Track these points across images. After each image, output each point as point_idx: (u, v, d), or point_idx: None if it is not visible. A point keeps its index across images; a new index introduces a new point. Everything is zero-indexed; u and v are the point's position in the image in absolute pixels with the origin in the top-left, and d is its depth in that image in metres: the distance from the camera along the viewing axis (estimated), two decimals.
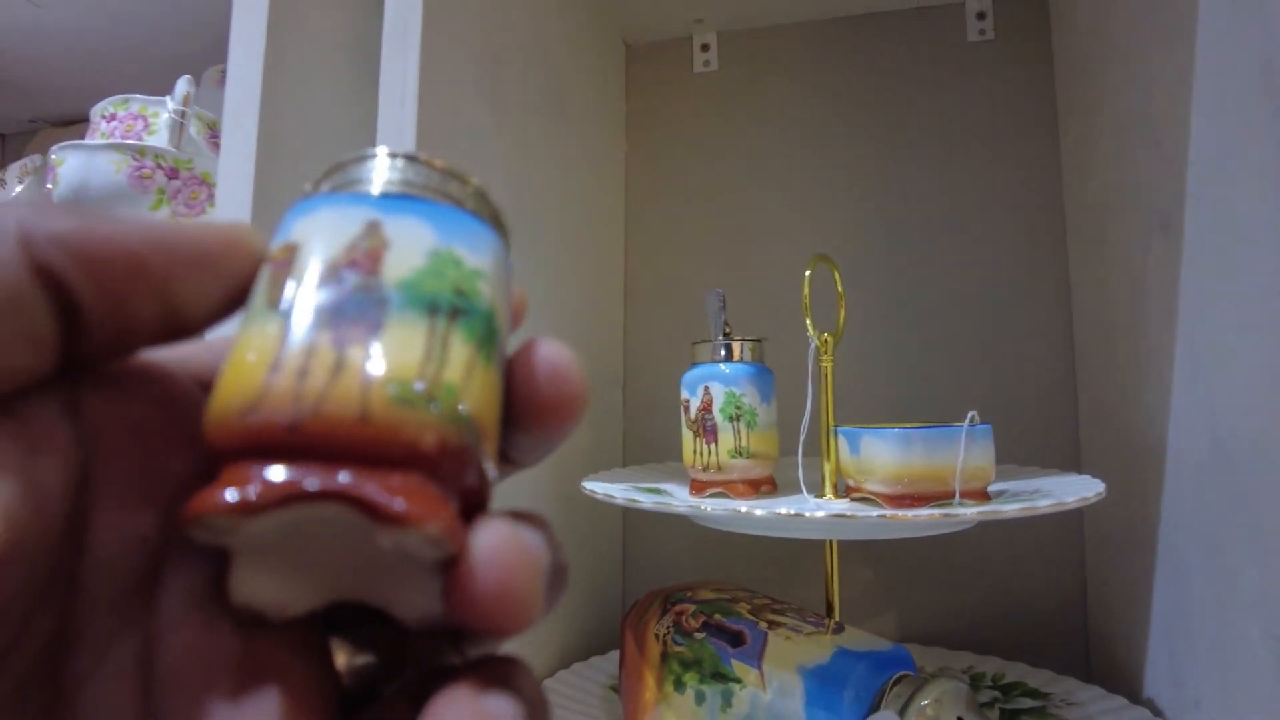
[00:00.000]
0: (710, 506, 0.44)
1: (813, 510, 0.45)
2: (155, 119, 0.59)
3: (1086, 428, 0.70)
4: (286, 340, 0.15)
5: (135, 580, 0.15)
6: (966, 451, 0.49)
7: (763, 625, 0.50)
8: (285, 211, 0.17)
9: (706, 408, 0.57)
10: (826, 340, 0.56)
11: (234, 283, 0.16)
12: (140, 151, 0.55)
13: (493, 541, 0.14)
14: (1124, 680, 0.61)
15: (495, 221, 0.19)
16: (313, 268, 0.16)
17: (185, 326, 0.16)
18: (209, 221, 0.16)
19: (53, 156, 0.55)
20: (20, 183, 0.69)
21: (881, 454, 0.50)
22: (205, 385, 0.16)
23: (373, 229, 0.17)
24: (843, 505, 0.49)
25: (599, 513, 0.78)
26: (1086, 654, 0.70)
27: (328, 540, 0.14)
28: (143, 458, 0.15)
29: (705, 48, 0.83)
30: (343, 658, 0.17)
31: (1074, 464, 0.70)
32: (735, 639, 0.50)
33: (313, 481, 0.14)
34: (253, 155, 0.51)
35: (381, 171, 0.18)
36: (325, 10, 0.56)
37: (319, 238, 0.16)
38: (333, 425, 0.14)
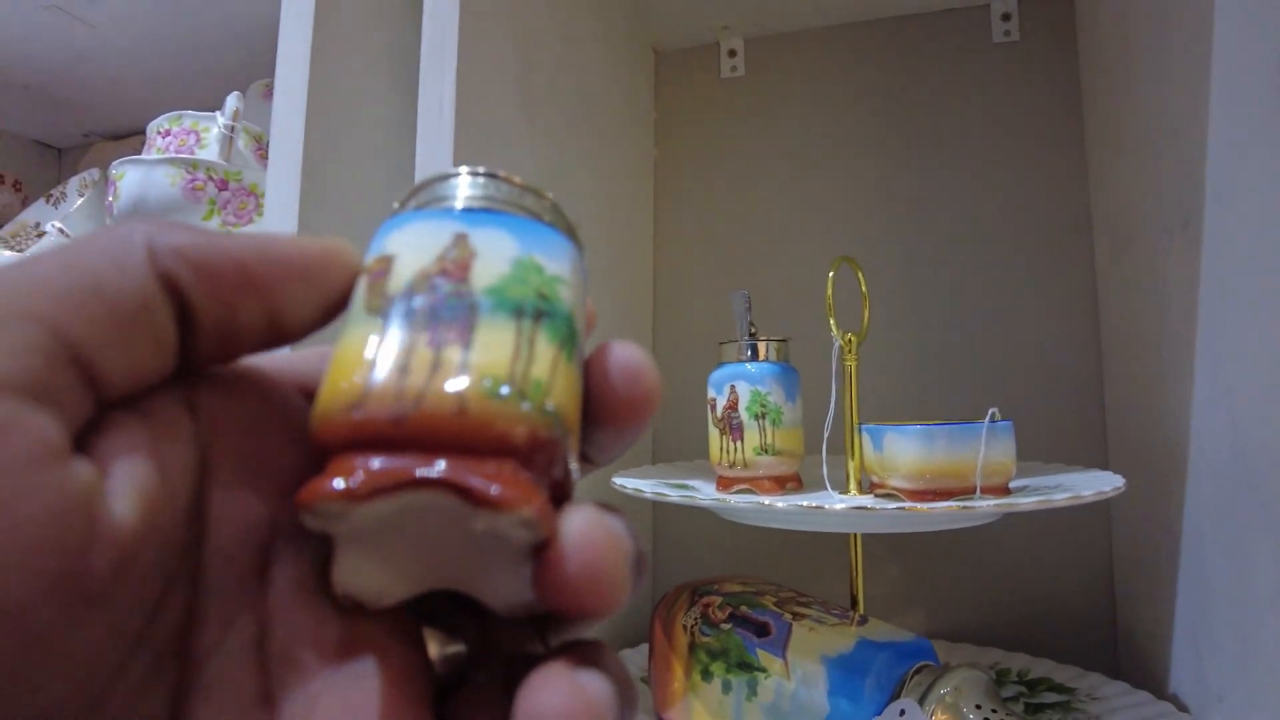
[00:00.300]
0: (734, 500, 0.46)
1: (833, 503, 0.46)
2: (206, 134, 0.62)
3: (1113, 427, 0.70)
4: (386, 342, 0.16)
5: (249, 567, 0.16)
6: (987, 448, 0.50)
7: (787, 617, 0.52)
8: (377, 229, 0.19)
9: (733, 406, 0.58)
10: (850, 340, 0.58)
11: (331, 293, 0.17)
12: (193, 165, 0.58)
13: (582, 527, 0.15)
14: (1151, 677, 0.61)
15: (570, 232, 0.20)
16: (407, 276, 0.17)
17: (286, 333, 0.17)
18: (309, 237, 0.17)
19: (113, 171, 0.59)
20: (80, 196, 0.73)
21: (904, 450, 0.51)
22: (302, 391, 0.18)
23: (460, 240, 0.18)
24: (863, 499, 0.50)
25: (629, 509, 0.80)
26: (1115, 651, 0.70)
27: (426, 527, 0.15)
28: (251, 453, 0.17)
29: (732, 53, 0.84)
30: (434, 647, 0.18)
31: (1101, 463, 0.71)
32: (761, 630, 0.52)
33: (417, 469, 0.15)
34: (299, 166, 0.54)
35: (464, 188, 0.19)
36: (367, 26, 0.59)
37: (411, 249, 0.18)
38: (433, 419, 0.15)
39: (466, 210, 0.19)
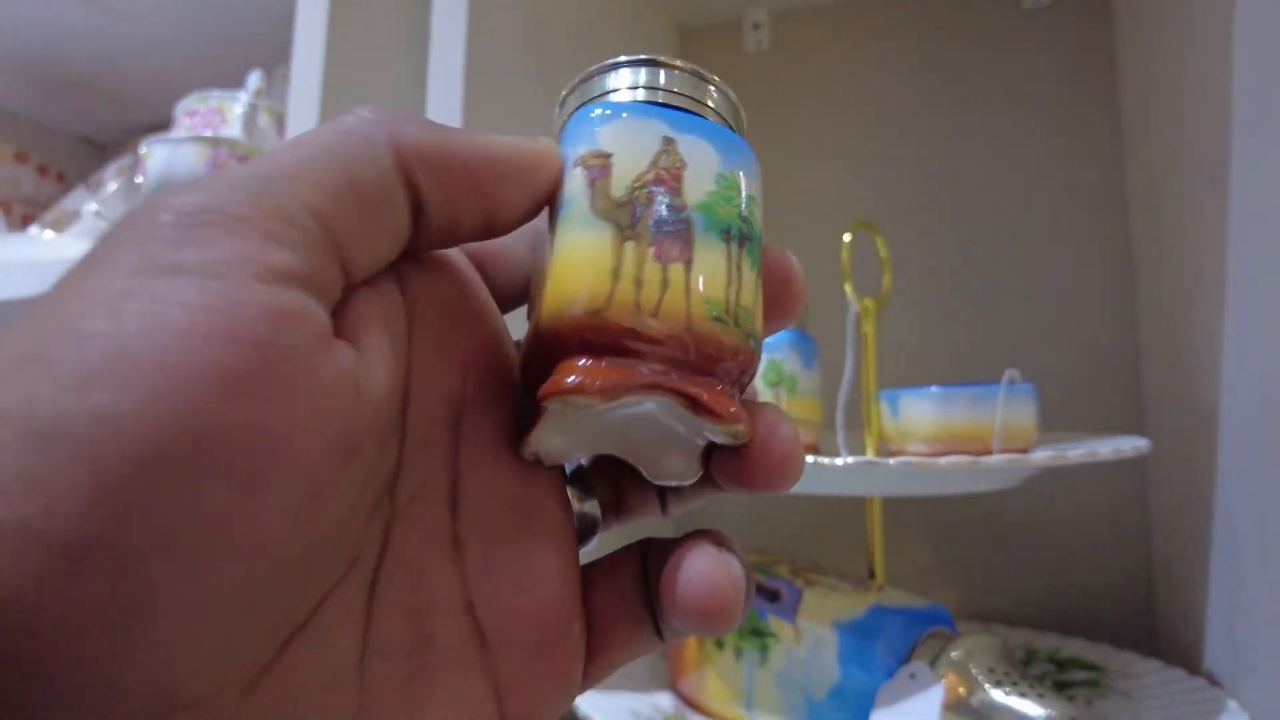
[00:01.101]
0: None
1: (841, 459, 0.45)
2: (230, 112, 0.63)
3: (1150, 395, 0.68)
4: (620, 252, 0.17)
5: (444, 427, 0.19)
6: (1005, 410, 0.49)
7: (799, 583, 0.51)
8: (580, 110, 0.20)
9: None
10: (867, 306, 0.57)
11: (541, 191, 0.19)
12: (215, 142, 0.59)
13: (774, 427, 0.18)
14: (1187, 655, 0.59)
15: (745, 135, 0.21)
16: (627, 182, 0.18)
17: (499, 227, 0.19)
18: (521, 138, 0.19)
19: (142, 150, 0.60)
20: (116, 181, 0.75)
21: (920, 414, 0.51)
22: (477, 266, 0.21)
23: (669, 145, 0.19)
24: (872, 457, 0.49)
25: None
26: (1153, 632, 0.68)
27: (636, 417, 0.18)
28: (445, 326, 0.19)
29: (757, 27, 0.84)
30: (574, 502, 0.21)
31: (1136, 432, 0.69)
32: (773, 596, 0.51)
33: (663, 379, 0.17)
34: None
35: (661, 78, 0.20)
36: (383, 5, 0.60)
37: (626, 149, 0.19)
38: (664, 334, 0.17)
39: (668, 108, 0.20)
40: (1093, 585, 0.70)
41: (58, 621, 0.12)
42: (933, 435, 0.50)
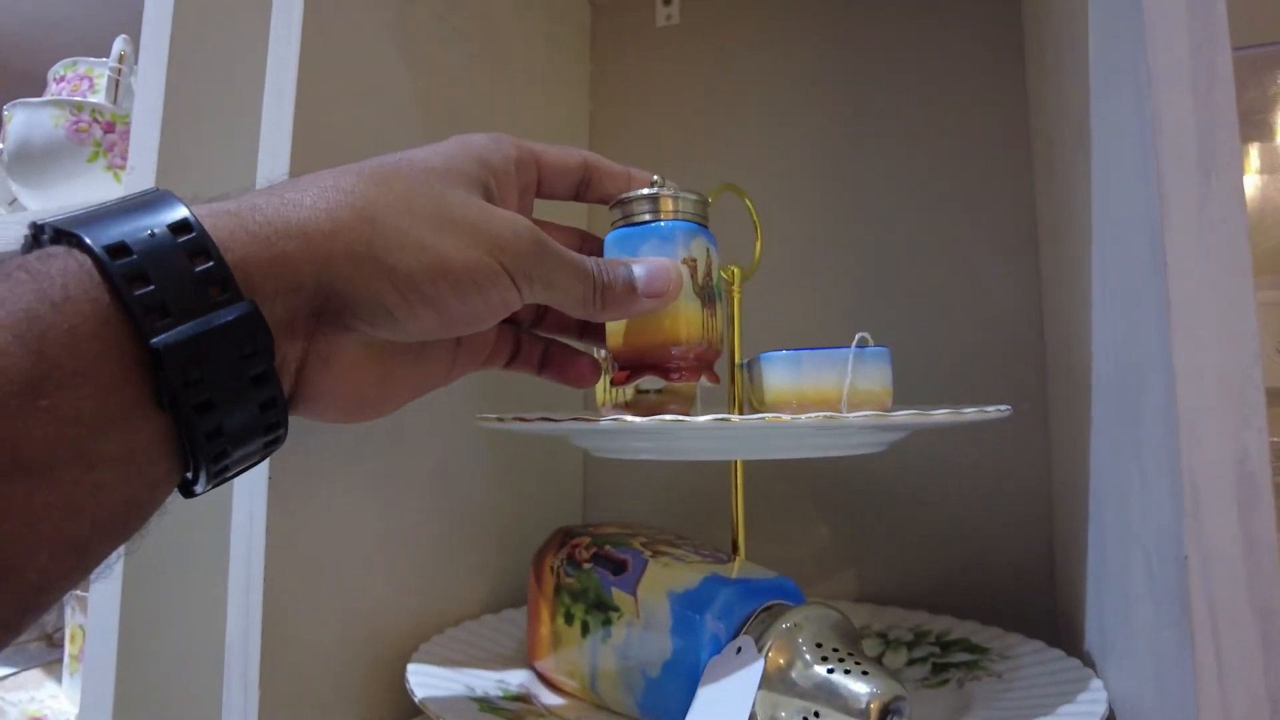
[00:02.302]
0: (593, 425, 0.43)
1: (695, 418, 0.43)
2: (100, 79, 0.62)
3: (1049, 370, 0.66)
4: (704, 314, 0.45)
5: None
6: (855, 374, 0.47)
7: (647, 554, 0.49)
8: (671, 230, 0.45)
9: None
10: (733, 272, 0.55)
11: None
12: (78, 107, 0.58)
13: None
14: (1073, 635, 0.57)
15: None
16: (700, 275, 0.45)
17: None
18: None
19: (5, 113, 0.59)
20: None
21: (773, 377, 0.48)
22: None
23: (706, 251, 0.46)
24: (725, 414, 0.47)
25: (560, 466, 0.78)
26: (1053, 615, 0.65)
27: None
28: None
29: (667, 1, 0.82)
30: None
31: (1041, 409, 0.66)
32: (619, 567, 0.49)
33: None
34: (161, 102, 0.53)
35: (701, 206, 0.47)
36: None
37: (699, 256, 0.45)
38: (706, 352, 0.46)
39: (701, 227, 0.46)
40: (996, 567, 0.68)
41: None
42: (784, 400, 0.47)
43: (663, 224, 0.45)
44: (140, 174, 0.53)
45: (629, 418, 0.42)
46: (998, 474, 0.69)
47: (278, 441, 0.32)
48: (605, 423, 0.41)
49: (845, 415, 0.40)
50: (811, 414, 0.40)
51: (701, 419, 0.40)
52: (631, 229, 0.46)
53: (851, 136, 0.76)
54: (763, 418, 0.40)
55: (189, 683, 0.50)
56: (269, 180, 0.36)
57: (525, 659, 0.56)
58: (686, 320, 0.44)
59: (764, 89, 0.79)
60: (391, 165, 0.35)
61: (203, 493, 0.30)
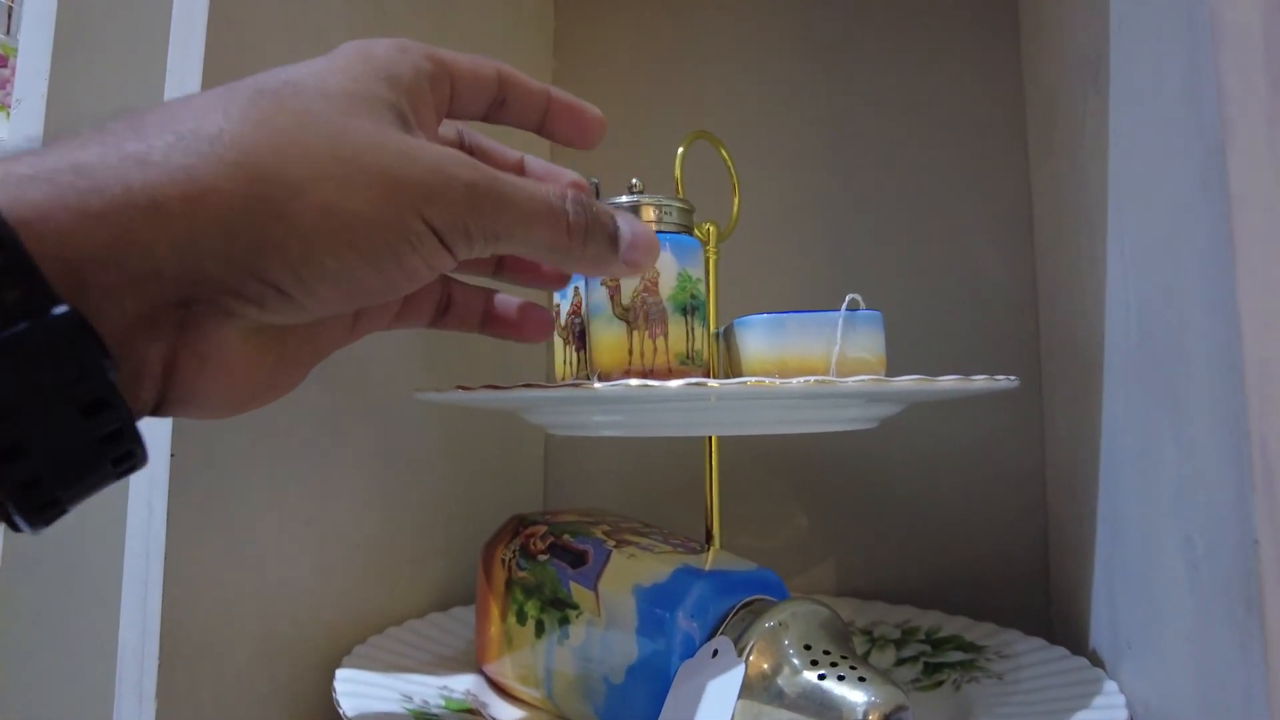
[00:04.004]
0: (543, 389, 0.37)
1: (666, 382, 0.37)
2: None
3: (1045, 344, 0.61)
4: (630, 339, 0.42)
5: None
6: (845, 340, 0.41)
7: (610, 544, 0.43)
8: None
9: (576, 310, 0.50)
10: (709, 230, 0.49)
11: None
12: None
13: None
14: (1075, 632, 0.52)
15: (693, 222, 0.45)
16: (628, 293, 0.42)
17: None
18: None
19: None
20: None
21: (752, 344, 0.43)
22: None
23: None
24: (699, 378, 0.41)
25: (518, 450, 0.71)
26: (1047, 608, 0.61)
27: None
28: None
29: None
30: None
31: (1034, 389, 0.62)
32: (578, 559, 0.43)
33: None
34: (51, 28, 0.47)
35: (649, 212, 0.44)
36: None
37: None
38: (657, 373, 0.41)
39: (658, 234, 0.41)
40: (986, 558, 0.63)
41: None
42: (764, 370, 0.42)
43: None
44: (28, 109, 0.46)
45: (588, 382, 0.36)
46: (988, 459, 0.64)
47: (134, 468, 0.25)
48: (559, 390, 0.35)
49: (841, 380, 0.35)
50: (800, 378, 0.35)
51: (674, 383, 0.34)
52: None
53: (836, 90, 0.70)
54: (744, 381, 0.34)
55: (76, 693, 0.43)
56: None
57: (474, 663, 0.50)
58: (606, 347, 0.42)
59: (742, 38, 0.73)
60: (273, 91, 0.25)
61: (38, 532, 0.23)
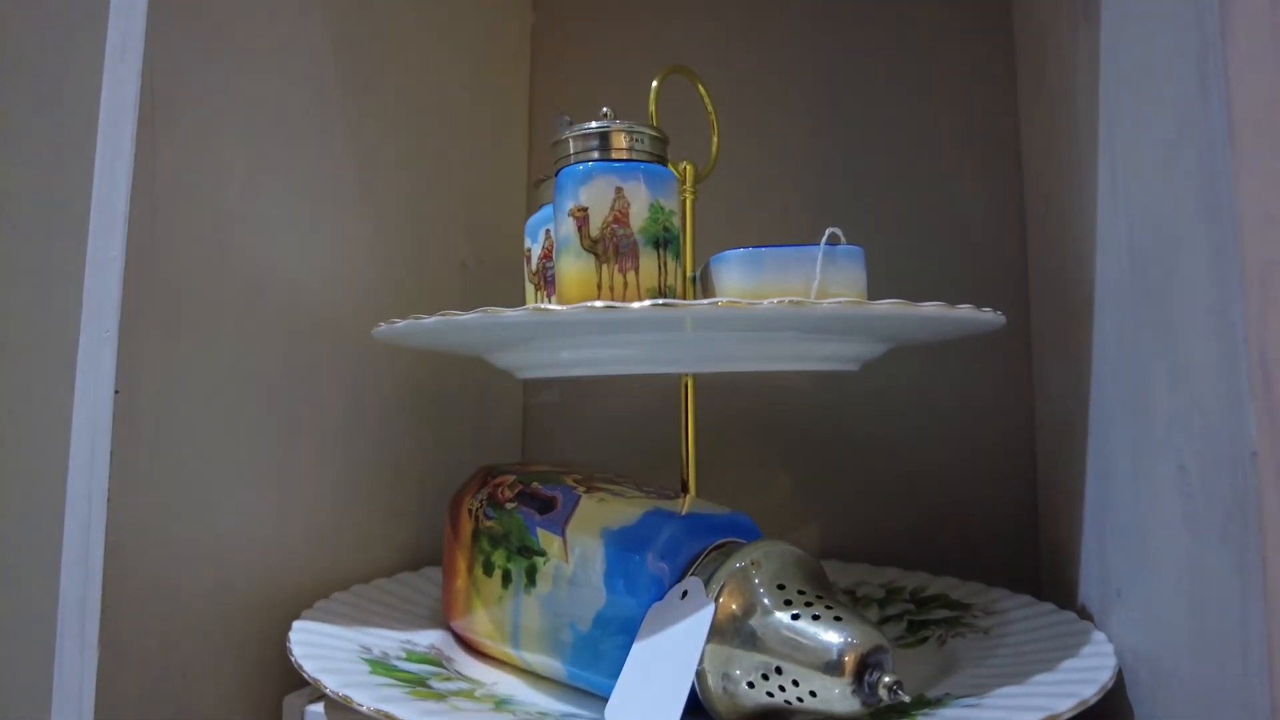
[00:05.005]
0: (505, 315, 0.34)
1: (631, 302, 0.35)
2: None
3: (1034, 281, 0.59)
4: (599, 272, 0.39)
5: None
6: (825, 275, 0.39)
7: (580, 490, 0.42)
8: (564, 177, 0.40)
9: (547, 255, 0.48)
10: (685, 169, 0.47)
11: None
12: None
13: None
14: (1064, 589, 0.50)
15: (667, 153, 0.43)
16: (598, 224, 0.39)
17: None
18: None
19: None
20: None
21: (729, 280, 0.41)
22: None
23: (619, 193, 0.39)
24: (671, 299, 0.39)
25: (494, 408, 0.70)
26: (1036, 568, 0.59)
27: None
28: None
29: None
30: None
31: (1024, 342, 0.60)
32: (546, 505, 0.41)
33: None
34: None
35: (621, 139, 0.41)
36: None
37: (595, 202, 0.39)
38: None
39: (619, 163, 0.40)
40: (973, 518, 0.61)
41: None
42: None
43: (560, 171, 0.41)
44: None
45: (546, 305, 0.34)
46: (974, 416, 0.62)
47: None
48: (517, 313, 0.33)
49: (816, 302, 0.33)
50: (774, 299, 0.33)
51: (640, 304, 0.32)
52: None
53: (820, 30, 0.68)
54: (715, 302, 0.33)
55: (16, 645, 0.41)
56: None
57: (441, 619, 0.48)
58: (573, 281, 0.40)
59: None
60: None
61: None
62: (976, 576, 0.54)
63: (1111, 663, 0.36)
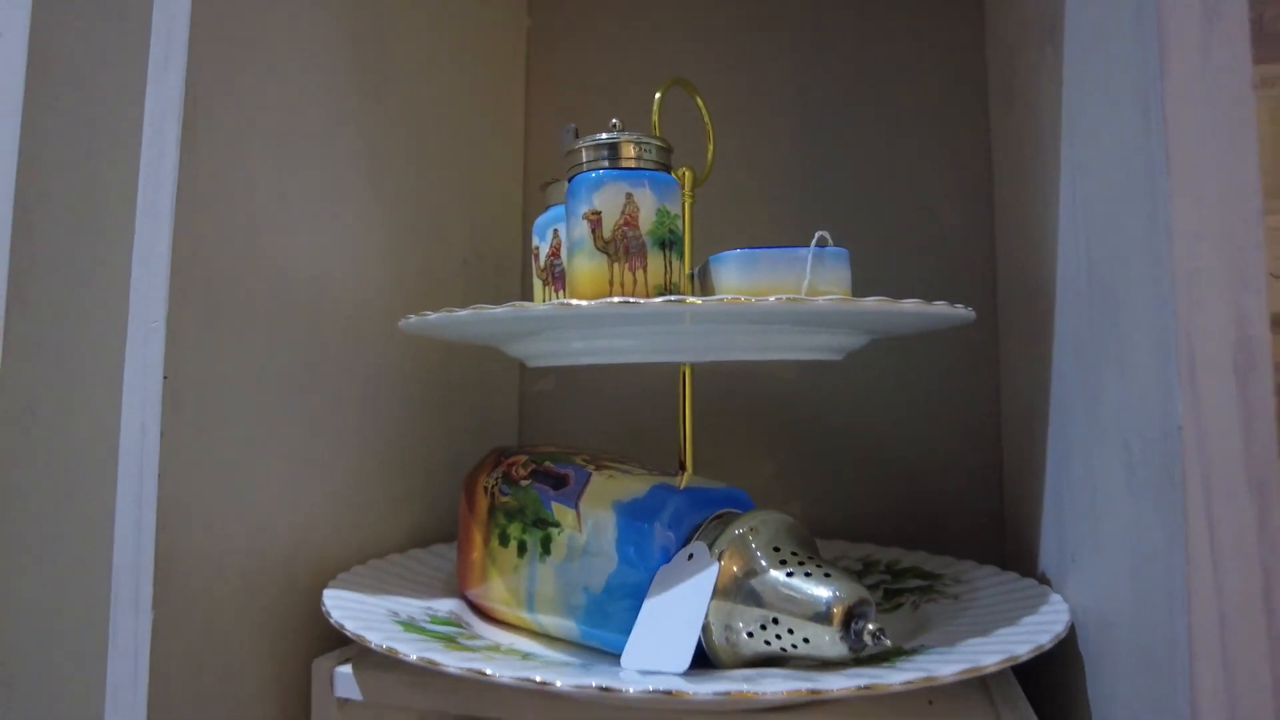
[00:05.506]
0: (531, 310, 0.38)
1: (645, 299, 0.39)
2: None
3: (1004, 293, 0.64)
4: (611, 271, 0.43)
5: None
6: (814, 273, 0.44)
7: (590, 468, 0.46)
8: (578, 183, 0.44)
9: (555, 252, 0.52)
10: (684, 175, 0.51)
11: None
12: None
13: None
14: (1027, 559, 0.55)
15: (672, 160, 0.47)
16: (610, 226, 0.43)
17: None
18: None
19: None
20: None
21: (726, 279, 0.45)
22: None
23: (629, 198, 0.43)
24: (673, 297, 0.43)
25: (494, 393, 0.73)
26: (1002, 543, 0.64)
27: None
28: None
29: None
30: None
31: (991, 334, 0.65)
32: (559, 482, 0.45)
33: None
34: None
35: (630, 149, 0.45)
36: None
37: (608, 206, 0.43)
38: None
39: (629, 171, 0.44)
40: (945, 497, 0.66)
41: None
42: None
43: (574, 178, 0.45)
44: (10, 41, 0.47)
45: (571, 301, 0.38)
46: (947, 403, 0.67)
47: None
48: (544, 308, 0.37)
49: (811, 299, 0.37)
50: (774, 296, 0.37)
51: (653, 300, 0.36)
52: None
53: (808, 50, 0.72)
54: (720, 299, 0.37)
55: (74, 608, 0.44)
56: None
57: (455, 590, 0.52)
58: (586, 279, 0.43)
59: (694, 5, 0.75)
60: None
61: None
62: (948, 552, 0.59)
63: (1065, 617, 0.41)
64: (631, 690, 0.31)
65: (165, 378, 0.41)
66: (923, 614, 0.49)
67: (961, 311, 0.41)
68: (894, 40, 0.70)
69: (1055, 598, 0.45)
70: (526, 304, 0.37)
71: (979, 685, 0.42)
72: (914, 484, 0.67)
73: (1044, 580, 0.49)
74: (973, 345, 0.65)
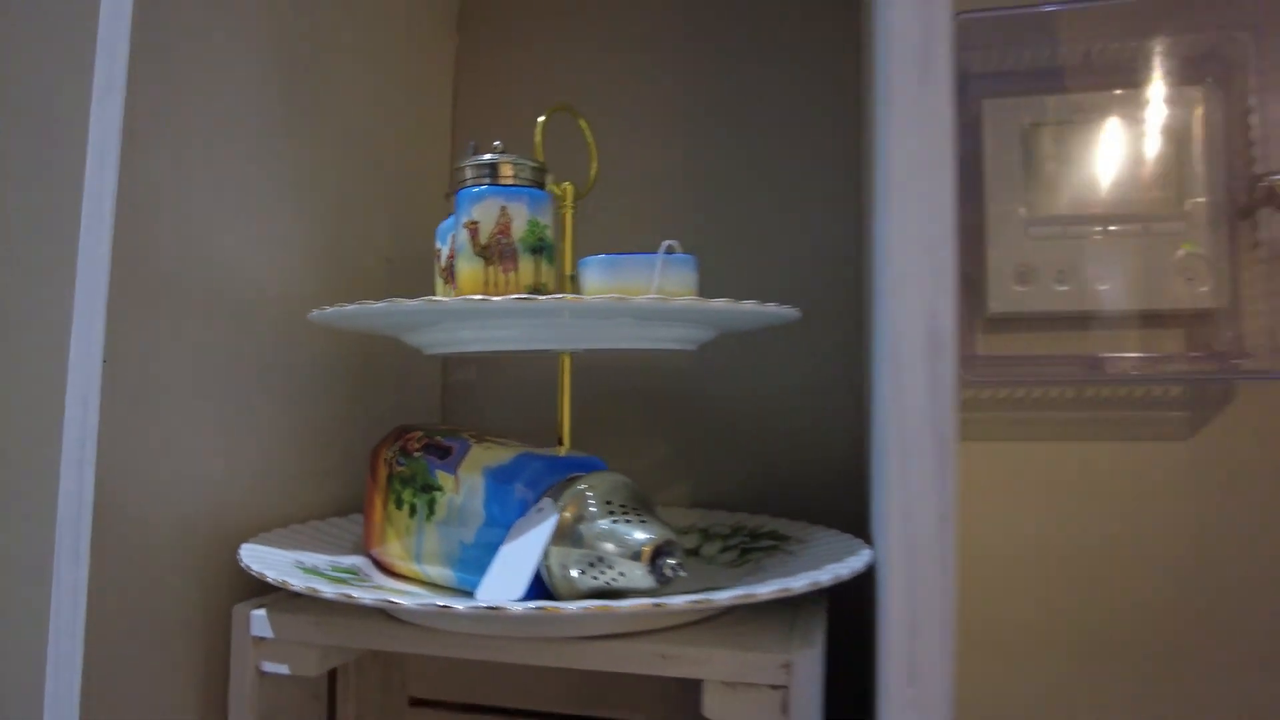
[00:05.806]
0: (408, 302, 0.46)
1: (497, 297, 0.47)
2: None
3: (864, 283, 0.72)
4: (487, 273, 0.52)
5: None
6: (663, 278, 0.52)
7: (472, 441, 0.53)
8: (462, 197, 0.53)
9: (453, 254, 0.59)
10: (566, 189, 0.59)
11: None
12: None
13: None
14: (863, 525, 0.64)
15: (546, 178, 0.55)
16: (485, 234, 0.52)
17: None
18: None
19: None
20: None
21: (591, 280, 0.53)
22: None
23: (503, 211, 0.52)
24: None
25: (416, 384, 0.81)
26: (860, 512, 0.72)
27: None
28: None
29: None
30: None
31: (857, 338, 0.73)
32: (444, 453, 0.53)
33: None
34: None
35: (507, 169, 0.53)
36: None
37: (484, 217, 0.52)
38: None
39: (504, 188, 0.53)
40: (816, 476, 0.75)
41: None
42: None
43: (459, 192, 0.54)
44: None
45: (438, 297, 0.46)
46: (822, 390, 0.75)
47: None
48: (414, 302, 0.45)
49: (627, 298, 0.45)
50: (607, 294, 0.45)
51: (507, 296, 0.44)
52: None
53: (690, 78, 0.81)
54: (562, 297, 0.45)
55: (21, 557, 0.51)
56: None
57: (362, 550, 0.59)
58: (467, 278, 0.52)
59: (610, 33, 0.83)
60: None
61: None
62: (822, 520, 0.67)
63: (859, 563, 0.49)
64: (462, 608, 0.39)
65: (104, 360, 0.49)
66: (762, 566, 0.57)
67: (775, 309, 0.50)
68: (769, 62, 0.79)
69: (864, 551, 0.53)
70: (400, 300, 0.45)
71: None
72: (785, 461, 0.76)
73: (868, 540, 0.58)
74: (843, 338, 0.74)
